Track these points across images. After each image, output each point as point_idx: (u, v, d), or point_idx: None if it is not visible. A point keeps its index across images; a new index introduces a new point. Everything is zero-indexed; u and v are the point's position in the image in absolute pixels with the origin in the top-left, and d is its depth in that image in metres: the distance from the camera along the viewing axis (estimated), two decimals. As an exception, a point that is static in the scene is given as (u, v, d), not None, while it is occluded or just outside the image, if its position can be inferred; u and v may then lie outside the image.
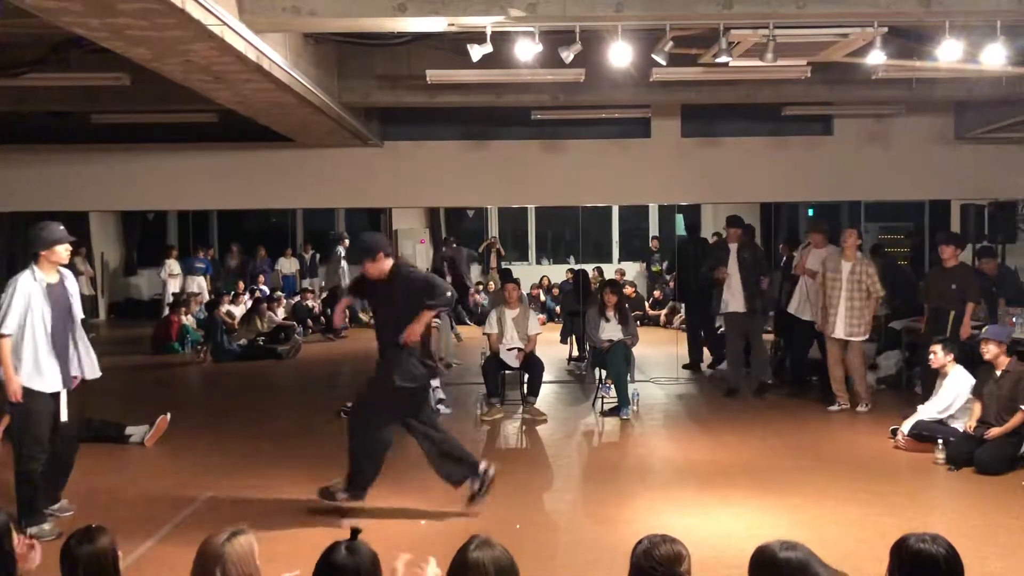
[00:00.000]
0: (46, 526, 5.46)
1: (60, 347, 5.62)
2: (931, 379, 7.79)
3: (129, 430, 7.82)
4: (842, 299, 8.67)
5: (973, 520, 5.79)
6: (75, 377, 5.76)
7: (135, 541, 5.34)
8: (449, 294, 5.75)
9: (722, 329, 10.47)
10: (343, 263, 16.93)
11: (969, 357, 7.54)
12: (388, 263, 5.77)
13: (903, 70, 7.26)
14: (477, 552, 2.76)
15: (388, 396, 5.73)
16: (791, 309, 9.65)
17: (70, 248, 5.72)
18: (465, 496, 5.82)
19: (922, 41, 6.75)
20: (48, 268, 5.62)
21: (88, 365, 5.83)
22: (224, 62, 5.76)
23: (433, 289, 5.73)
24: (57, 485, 5.88)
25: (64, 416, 5.65)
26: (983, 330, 7.47)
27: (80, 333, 5.83)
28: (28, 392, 5.50)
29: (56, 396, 5.62)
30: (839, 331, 8.70)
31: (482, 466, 5.82)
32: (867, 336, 8.91)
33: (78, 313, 5.84)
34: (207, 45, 5.30)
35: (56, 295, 5.63)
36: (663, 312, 15.57)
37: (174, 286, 16.05)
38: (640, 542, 2.86)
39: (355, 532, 2.91)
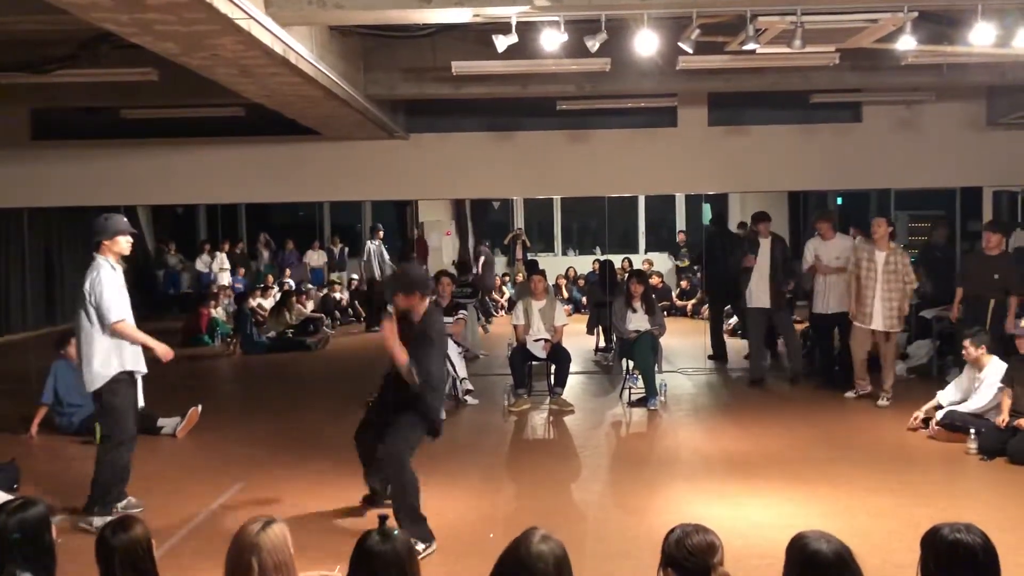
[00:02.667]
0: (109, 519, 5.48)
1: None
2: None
3: (161, 422, 7.92)
4: (878, 290, 8.46)
5: (1007, 510, 5.71)
6: None
7: (169, 530, 5.42)
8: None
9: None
10: (384, 254, 16.58)
11: (1003, 348, 7.42)
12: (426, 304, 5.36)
13: (934, 55, 7.15)
14: (541, 545, 2.73)
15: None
16: (815, 309, 9.52)
17: (131, 240, 5.80)
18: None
19: (954, 25, 6.65)
20: (113, 258, 5.71)
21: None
22: (251, 56, 5.79)
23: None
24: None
25: (141, 401, 5.82)
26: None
27: None
28: (123, 377, 5.63)
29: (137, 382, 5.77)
30: (877, 323, 8.52)
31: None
32: (903, 328, 8.78)
33: None
34: (234, 39, 5.33)
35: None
36: (690, 303, 15.50)
37: (225, 279, 16.23)
38: (672, 531, 2.84)
39: (383, 519, 2.95)
